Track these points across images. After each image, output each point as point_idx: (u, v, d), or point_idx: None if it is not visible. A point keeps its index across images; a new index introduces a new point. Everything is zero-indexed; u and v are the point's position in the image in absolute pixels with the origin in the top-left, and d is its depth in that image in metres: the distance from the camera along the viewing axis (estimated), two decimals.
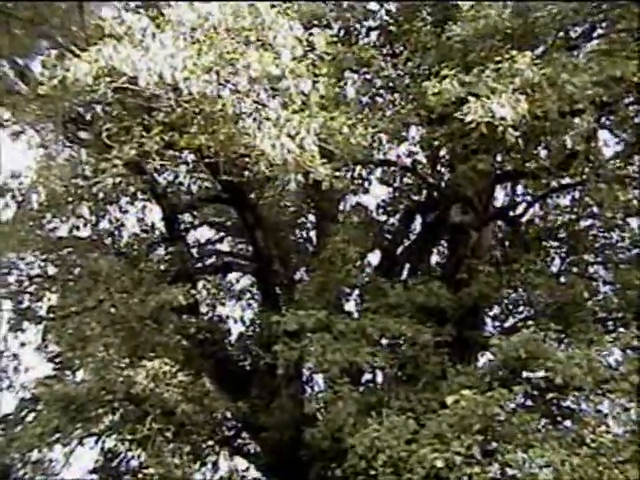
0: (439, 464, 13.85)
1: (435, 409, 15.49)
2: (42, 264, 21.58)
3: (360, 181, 22.41)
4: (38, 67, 21.16)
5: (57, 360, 21.93)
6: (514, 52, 14.55)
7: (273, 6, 14.76)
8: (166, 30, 14.22)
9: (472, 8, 16.31)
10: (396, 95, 20.64)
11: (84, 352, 18.28)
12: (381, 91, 20.81)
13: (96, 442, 22.91)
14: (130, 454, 24.22)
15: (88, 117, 19.31)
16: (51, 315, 21.48)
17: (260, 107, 14.56)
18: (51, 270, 21.76)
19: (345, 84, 20.49)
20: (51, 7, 18.96)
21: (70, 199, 20.03)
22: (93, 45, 14.08)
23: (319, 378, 21.66)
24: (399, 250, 22.45)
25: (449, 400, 14.89)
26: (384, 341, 18.15)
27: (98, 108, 19.02)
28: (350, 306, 20.77)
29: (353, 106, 18.39)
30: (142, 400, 17.17)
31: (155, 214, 22.74)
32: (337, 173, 15.11)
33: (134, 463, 24.29)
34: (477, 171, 18.21)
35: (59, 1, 20.42)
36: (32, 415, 20.69)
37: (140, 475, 23.92)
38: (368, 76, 20.45)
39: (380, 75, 20.01)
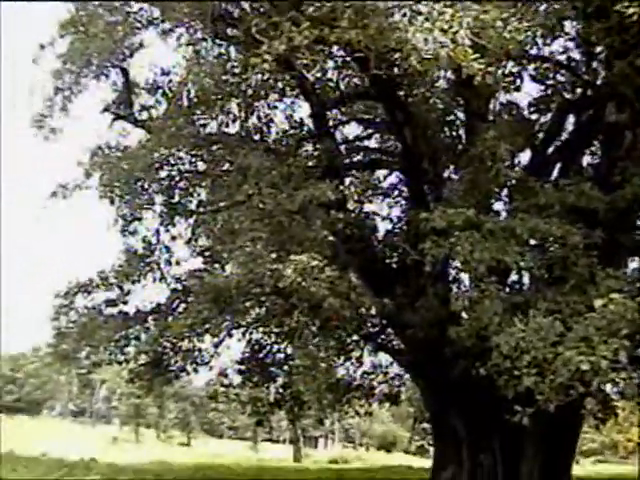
0: (584, 367, 13.64)
1: (582, 312, 15.17)
2: (192, 160, 21.98)
3: (512, 78, 21.77)
4: None
5: (207, 253, 22.54)
6: None
7: None
8: None
9: None
10: None
11: (233, 245, 18.59)
12: None
13: (243, 334, 23.65)
14: (276, 346, 24.91)
15: (236, 14, 19.28)
16: (201, 209, 21.99)
17: (412, 1, 14.23)
18: (201, 166, 22.17)
19: None
20: None
21: (219, 96, 20.12)
22: None
23: (465, 277, 21.59)
24: (550, 149, 21.89)
25: (597, 303, 14.55)
26: (532, 242, 17.77)
27: (246, 5, 18.95)
28: (499, 205, 20.41)
29: None
30: (289, 294, 17.37)
31: (304, 110, 22.78)
32: (489, 69, 14.62)
33: (280, 355, 24.99)
34: (635, 68, 17.40)
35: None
36: (183, 306, 21.40)
37: (286, 367, 24.61)
38: None
39: None
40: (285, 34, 14.53)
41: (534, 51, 19.82)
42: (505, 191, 20.02)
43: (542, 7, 18.06)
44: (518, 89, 22.20)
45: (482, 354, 16.12)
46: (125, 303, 22.42)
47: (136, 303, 22.62)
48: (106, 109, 23.17)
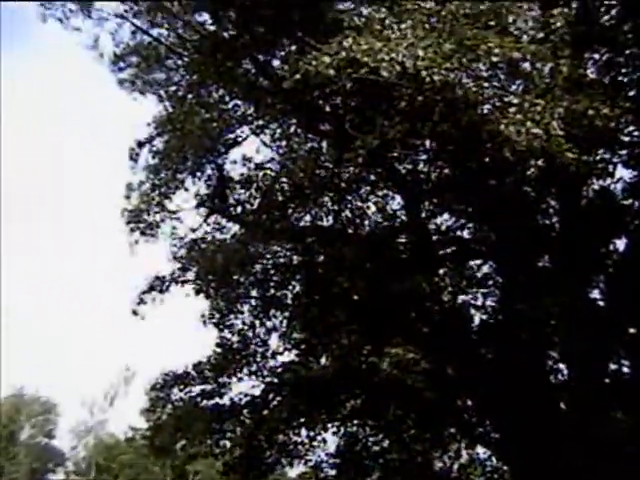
0: None
1: None
2: (287, 253, 22.23)
3: (604, 164, 21.57)
4: (279, 62, 22.08)
5: (302, 346, 22.56)
6: None
7: None
8: (404, 19, 14.28)
9: None
10: None
11: (329, 338, 18.66)
12: (623, 69, 20.00)
13: (339, 427, 23.46)
14: (372, 439, 24.61)
15: (328, 108, 19.66)
16: (296, 302, 22.10)
17: (502, 92, 14.36)
18: (296, 259, 22.37)
19: (586, 64, 19.83)
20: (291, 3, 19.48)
21: (312, 189, 20.43)
22: (333, 38, 14.32)
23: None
24: None
25: None
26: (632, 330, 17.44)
27: (338, 99, 19.32)
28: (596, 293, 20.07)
29: (596, 86, 17.77)
30: (385, 386, 17.32)
31: (396, 202, 22.87)
32: (582, 157, 14.60)
33: (376, 448, 24.67)
34: None
35: None
36: (278, 399, 21.41)
37: (381, 460, 24.28)
38: (610, 54, 19.73)
39: (623, 53, 19.23)
40: (378, 129, 14.75)
41: (626, 137, 19.62)
42: (602, 277, 19.71)
43: (632, 92, 18.05)
44: (611, 175, 21.97)
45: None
46: (221, 396, 22.54)
47: (231, 395, 22.74)
48: (201, 204, 23.65)
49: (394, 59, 13.13)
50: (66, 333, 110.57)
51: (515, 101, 14.09)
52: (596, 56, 19.94)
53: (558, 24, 14.75)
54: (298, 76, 14.53)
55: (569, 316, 16.29)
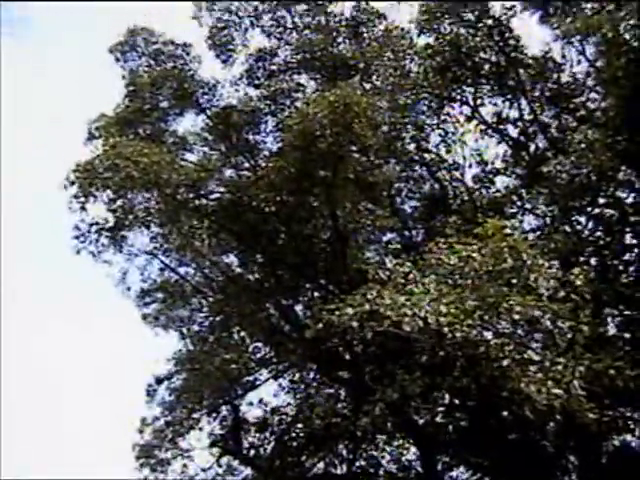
0: None
1: None
2: None
3: (624, 421, 21.26)
4: (302, 307, 22.44)
5: None
6: None
7: (532, 246, 14.86)
8: (428, 274, 14.54)
9: None
10: None
11: None
12: None
13: None
14: None
15: (348, 357, 19.71)
16: None
17: (523, 349, 14.38)
18: None
19: (606, 321, 20.03)
20: (316, 252, 20.08)
21: (328, 437, 20.18)
22: (357, 289, 14.54)
23: None
24: None
25: None
26: None
27: (359, 348, 19.41)
28: None
29: (617, 344, 17.83)
30: None
31: (412, 452, 22.48)
32: (603, 418, 14.44)
33: None
34: None
35: None
36: None
37: None
38: (629, 312, 19.97)
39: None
40: (398, 382, 14.71)
41: None
42: None
43: None
44: (632, 431, 21.59)
45: None
46: None
47: None
48: (214, 443, 23.37)
49: (417, 314, 13.26)
50: None
51: (536, 358, 14.13)
52: (616, 313, 20.19)
53: (578, 282, 14.92)
54: (320, 325, 14.62)
55: None
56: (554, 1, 23.66)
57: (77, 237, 21.69)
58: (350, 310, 13.95)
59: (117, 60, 25.28)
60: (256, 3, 26.59)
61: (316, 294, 21.10)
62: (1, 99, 29.48)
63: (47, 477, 27.92)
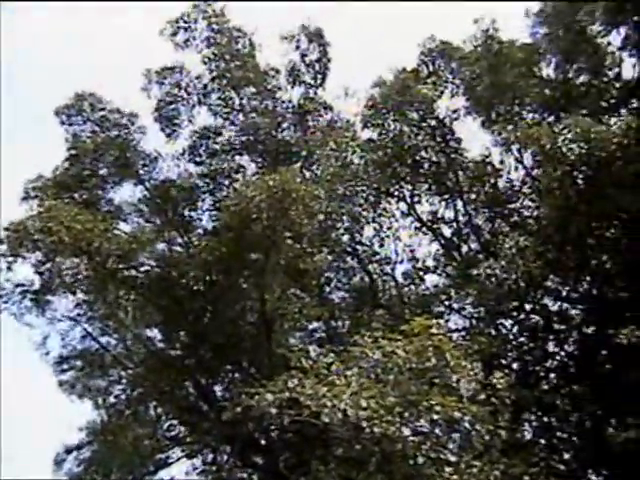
0: None
1: None
2: None
3: None
4: (222, 388, 22.18)
5: None
6: None
7: (456, 346, 14.93)
8: (351, 366, 14.49)
9: None
10: (575, 439, 20.14)
11: None
12: (562, 434, 20.35)
13: None
14: None
15: (264, 442, 19.53)
16: None
17: (440, 449, 14.34)
18: None
19: (524, 426, 20.17)
20: (241, 334, 19.97)
21: None
22: (278, 375, 14.43)
23: None
24: None
25: None
26: None
27: (275, 434, 19.23)
28: None
29: (532, 449, 17.92)
30: None
31: None
32: None
33: None
34: None
35: None
36: None
37: None
38: (547, 418, 20.15)
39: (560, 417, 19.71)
40: (313, 472, 14.54)
41: None
42: None
43: (567, 455, 18.12)
44: None
45: None
46: None
47: None
48: None
49: (337, 406, 13.17)
50: None
51: (452, 459, 14.08)
52: (533, 418, 20.35)
53: (499, 386, 15.03)
54: (238, 409, 14.47)
55: None
56: (497, 107, 24.32)
57: (0, 296, 21.35)
58: (270, 396, 13.80)
59: (62, 123, 25.19)
60: (206, 81, 26.87)
61: (237, 376, 20.90)
62: None
63: None
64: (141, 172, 25.34)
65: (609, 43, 23.61)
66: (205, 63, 26.83)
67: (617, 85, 23.33)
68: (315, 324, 23.11)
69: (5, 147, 26.83)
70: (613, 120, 20.97)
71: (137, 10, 32.83)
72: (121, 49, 31.21)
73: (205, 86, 26.89)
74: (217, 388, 22.32)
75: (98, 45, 33.02)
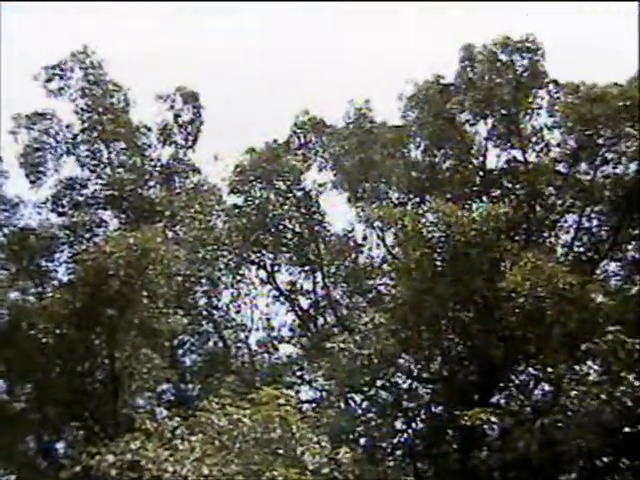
0: None
1: None
2: None
3: None
4: (64, 445, 21.53)
5: None
6: None
7: (304, 418, 14.94)
8: (195, 432, 14.31)
9: None
10: None
11: None
12: None
13: None
14: None
15: None
16: None
17: None
18: None
19: None
20: (88, 390, 19.47)
21: None
22: (122, 435, 14.14)
23: None
24: None
25: None
26: None
27: None
28: None
29: None
30: None
31: None
32: None
33: None
34: None
35: None
36: None
37: None
38: None
39: None
40: None
41: None
42: None
43: None
44: None
45: None
46: None
47: None
48: None
49: (178, 472, 12.97)
50: None
51: None
52: None
53: (344, 461, 15.06)
54: (78, 468, 14.10)
55: None
56: (363, 184, 24.74)
57: None
58: (111, 457, 13.48)
59: None
60: (76, 131, 26.58)
61: (82, 433, 20.31)
62: None
63: None
64: (0, 217, 24.72)
65: (476, 132, 24.36)
66: (77, 113, 26.61)
67: (481, 173, 24.02)
68: (165, 386, 22.77)
69: None
70: (475, 206, 21.69)
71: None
72: None
73: (75, 136, 26.62)
74: (60, 445, 21.68)
75: None
